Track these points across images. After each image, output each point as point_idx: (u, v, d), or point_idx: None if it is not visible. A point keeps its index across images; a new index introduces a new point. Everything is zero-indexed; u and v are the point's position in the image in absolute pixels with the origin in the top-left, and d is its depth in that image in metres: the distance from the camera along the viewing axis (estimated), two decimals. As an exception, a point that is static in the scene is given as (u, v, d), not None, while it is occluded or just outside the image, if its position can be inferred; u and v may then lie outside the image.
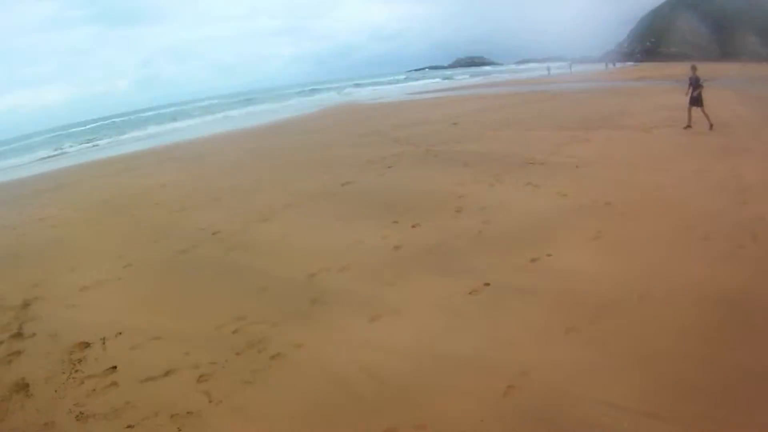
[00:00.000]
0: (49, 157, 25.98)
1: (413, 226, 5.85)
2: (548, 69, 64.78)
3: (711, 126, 10.95)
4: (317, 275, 4.82)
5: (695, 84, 11.53)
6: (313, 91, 60.21)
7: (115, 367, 3.70)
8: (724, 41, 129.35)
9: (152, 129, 33.52)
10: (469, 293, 4.14)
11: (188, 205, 8.32)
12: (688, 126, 11.22)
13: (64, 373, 3.73)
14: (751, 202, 5.89)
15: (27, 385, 3.62)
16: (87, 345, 4.10)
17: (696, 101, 11.45)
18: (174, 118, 41.32)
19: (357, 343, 3.61)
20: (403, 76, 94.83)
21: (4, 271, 6.40)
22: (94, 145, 28.58)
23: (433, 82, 56.05)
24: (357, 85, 65.23)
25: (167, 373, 3.52)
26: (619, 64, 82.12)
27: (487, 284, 4.26)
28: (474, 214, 6.09)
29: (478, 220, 5.81)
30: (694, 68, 11.83)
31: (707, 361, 3.03)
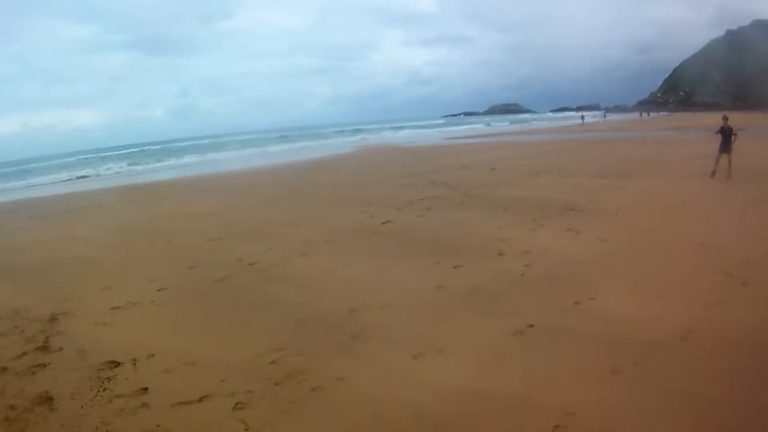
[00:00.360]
0: (83, 177, 27.88)
1: (455, 267, 6.02)
2: (582, 118, 68.09)
3: (729, 175, 11.82)
4: (358, 310, 4.94)
5: (728, 133, 12.30)
6: (350, 131, 63.49)
7: (146, 389, 3.75)
8: (757, 91, 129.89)
9: (188, 159, 35.96)
10: (513, 334, 4.28)
11: (224, 235, 8.68)
12: (714, 173, 12.01)
13: (91, 390, 3.80)
14: None
15: (51, 399, 3.69)
16: (117, 364, 4.18)
17: (726, 149, 12.22)
18: (210, 149, 43.90)
19: (399, 379, 3.68)
20: (441, 121, 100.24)
21: (33, 284, 6.68)
22: (129, 170, 30.45)
23: (469, 128, 59.85)
24: (394, 128, 68.63)
25: (202, 399, 3.58)
26: (653, 114, 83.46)
27: (531, 326, 4.39)
28: (516, 257, 6.32)
29: (520, 264, 6.02)
30: (725, 118, 12.56)
31: (750, 403, 3.14)
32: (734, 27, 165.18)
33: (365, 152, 28.09)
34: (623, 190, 10.88)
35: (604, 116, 79.02)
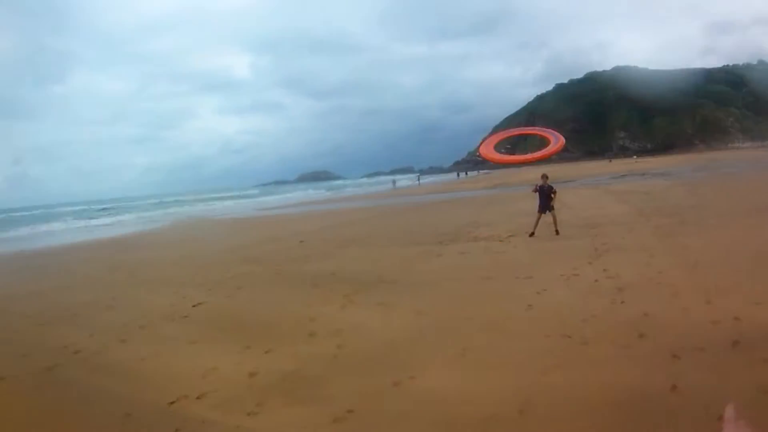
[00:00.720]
0: None
1: (266, 352, 7.00)
2: (393, 182, 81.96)
3: (556, 232, 14.53)
4: (177, 403, 5.67)
5: (546, 192, 15.12)
6: (166, 203, 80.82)
7: None
8: (589, 139, 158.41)
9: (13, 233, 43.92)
10: (333, 421, 4.85)
11: (51, 319, 10.17)
12: (533, 233, 14.62)
13: None
14: (630, 301, 7.61)
15: None
16: None
17: (546, 208, 14.99)
18: (36, 221, 55.70)
19: None
20: (255, 191, 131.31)
21: None
22: None
23: (282, 198, 75.63)
24: (208, 199, 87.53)
25: None
26: (471, 173, 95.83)
27: (351, 411, 5.00)
28: (328, 337, 7.34)
29: (333, 344, 7.00)
30: (545, 177, 15.44)
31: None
32: (565, 80, 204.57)
33: (179, 226, 33.67)
34: (439, 257, 12.83)
35: (419, 179, 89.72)
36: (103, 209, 74.00)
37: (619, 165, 76.33)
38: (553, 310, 7.56)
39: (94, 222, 50.36)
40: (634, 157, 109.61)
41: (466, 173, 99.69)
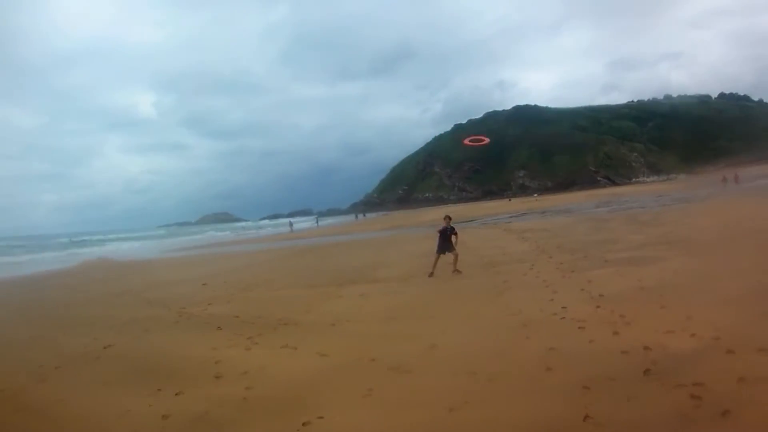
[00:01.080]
0: None
1: (177, 394, 7.36)
2: (291, 224, 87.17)
3: (456, 271, 15.19)
4: None
5: (447, 234, 15.77)
6: (73, 243, 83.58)
7: None
8: (488, 179, 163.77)
9: None
10: None
11: None
12: (431, 274, 15.24)
13: None
14: (535, 336, 8.00)
15: None
16: None
17: (445, 249, 15.65)
18: None
19: None
20: (160, 232, 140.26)
21: None
22: None
23: (183, 240, 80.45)
24: (112, 240, 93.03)
25: None
26: (369, 215, 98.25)
27: None
28: (235, 379, 7.78)
29: (241, 386, 7.40)
30: (448, 218, 16.23)
31: None
32: (464, 121, 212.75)
33: (84, 267, 34.10)
34: (339, 299, 13.51)
35: (317, 221, 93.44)
36: (8, 247, 75.91)
37: (519, 204, 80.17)
38: (457, 348, 7.92)
39: (9, 259, 52.09)
40: (535, 195, 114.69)
41: (365, 215, 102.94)
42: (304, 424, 5.83)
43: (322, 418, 5.96)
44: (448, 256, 15.44)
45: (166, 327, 12.16)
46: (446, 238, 15.63)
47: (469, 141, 20.91)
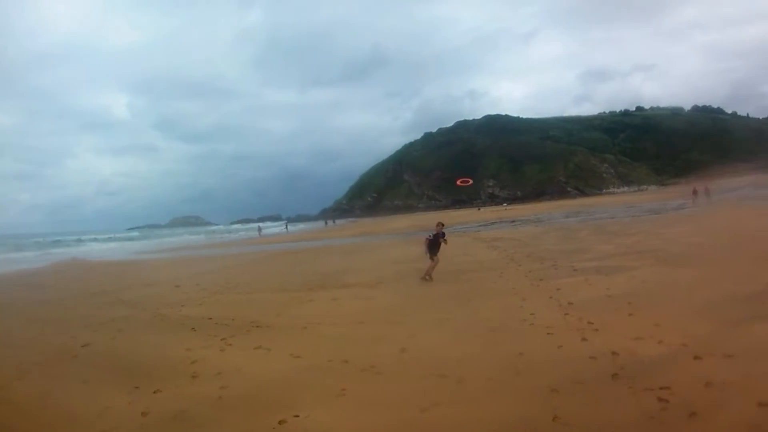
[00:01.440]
0: None
1: (155, 392, 7.58)
2: (259, 229, 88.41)
3: (428, 277, 15.37)
4: None
5: (436, 239, 15.93)
6: (47, 243, 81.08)
7: None
8: (457, 188, 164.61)
9: None
10: None
11: None
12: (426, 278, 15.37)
13: None
14: (504, 341, 8.23)
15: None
16: None
17: (434, 252, 15.78)
18: None
19: None
20: (134, 233, 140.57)
21: None
22: None
23: (156, 242, 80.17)
24: (86, 240, 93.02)
25: None
26: (339, 221, 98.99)
27: None
28: (211, 379, 8.02)
29: (216, 385, 7.66)
30: (441, 225, 16.36)
31: None
32: (434, 129, 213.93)
33: (60, 267, 34.06)
34: (311, 303, 13.77)
35: (287, 227, 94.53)
36: None
37: (489, 213, 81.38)
38: (427, 352, 8.17)
39: None
40: (504, 204, 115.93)
41: (334, 221, 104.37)
42: (280, 423, 6.07)
43: (297, 416, 6.20)
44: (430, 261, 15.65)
45: (142, 327, 12.37)
46: (436, 243, 15.80)
47: (460, 182, 20.82)
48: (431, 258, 15.68)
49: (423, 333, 9.35)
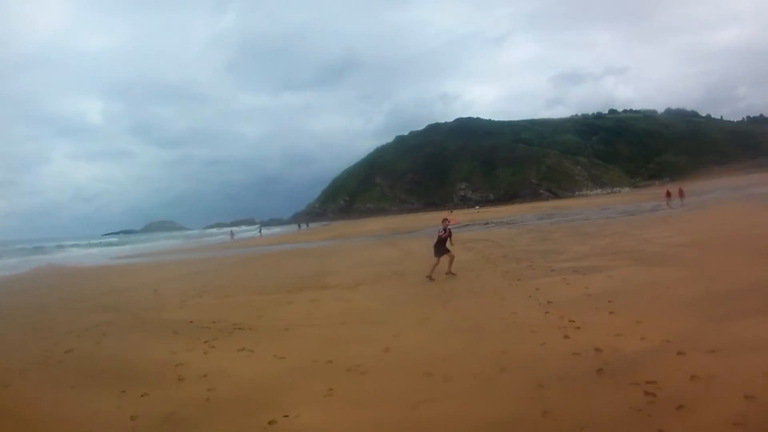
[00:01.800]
0: None
1: (142, 396, 7.63)
2: (231, 234, 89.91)
3: (431, 277, 15.30)
4: None
5: (444, 237, 16.07)
6: (22, 250, 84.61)
7: None
8: (430, 190, 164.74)
9: None
10: None
11: None
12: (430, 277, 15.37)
13: None
14: (486, 339, 8.38)
15: None
16: None
17: (442, 252, 15.84)
18: None
19: None
20: (112, 239, 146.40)
21: None
22: None
23: (131, 247, 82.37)
24: (68, 246, 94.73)
25: None
26: (312, 224, 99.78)
27: None
28: (197, 381, 8.08)
29: (203, 387, 7.73)
30: (447, 221, 16.54)
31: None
32: (406, 132, 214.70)
33: (38, 274, 34.73)
34: (290, 305, 13.95)
35: (260, 231, 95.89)
36: None
37: (461, 215, 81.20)
38: (411, 351, 8.31)
39: None
40: (477, 207, 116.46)
41: (308, 225, 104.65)
42: (270, 423, 6.14)
43: (287, 416, 6.27)
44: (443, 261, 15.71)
45: (124, 332, 12.49)
46: (443, 242, 15.89)
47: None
48: (439, 257, 15.66)
49: (405, 332, 9.47)
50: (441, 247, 15.89)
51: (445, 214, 15.72)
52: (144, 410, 7.08)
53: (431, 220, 55.75)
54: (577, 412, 5.24)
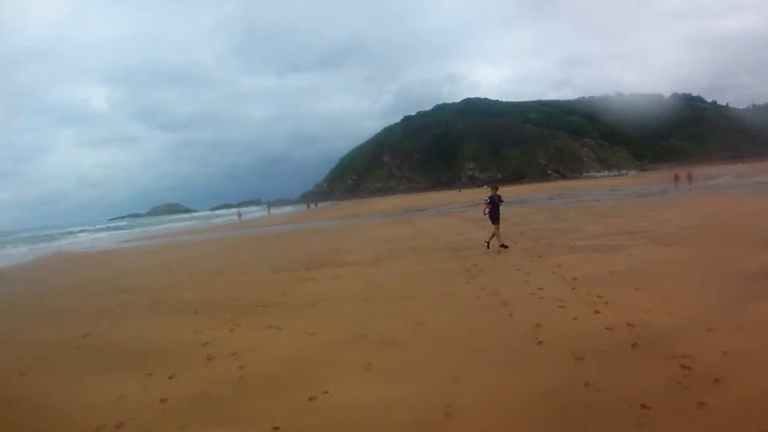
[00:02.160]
0: None
1: (170, 377, 7.40)
2: (239, 214, 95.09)
3: (488, 245, 15.81)
4: None
5: (498, 202, 16.46)
6: (27, 238, 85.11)
7: None
8: (438, 170, 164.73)
9: None
10: None
11: None
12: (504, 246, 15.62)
13: None
14: (518, 314, 8.47)
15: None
16: None
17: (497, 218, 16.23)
18: None
19: None
20: (119, 223, 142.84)
21: None
22: None
23: (139, 231, 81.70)
24: (70, 233, 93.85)
25: None
26: (321, 204, 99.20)
27: (277, 428, 5.42)
28: (226, 360, 7.89)
29: (234, 366, 7.55)
30: (495, 187, 17.16)
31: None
32: (413, 113, 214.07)
33: (46, 261, 33.95)
34: (313, 282, 13.91)
35: (269, 211, 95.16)
36: None
37: (470, 194, 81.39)
38: (443, 325, 8.33)
39: None
40: (485, 186, 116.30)
41: (316, 204, 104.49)
42: (310, 399, 6.01)
43: (327, 392, 6.13)
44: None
45: (142, 313, 12.21)
46: (497, 208, 16.08)
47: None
48: (497, 223, 15.90)
49: (433, 307, 9.47)
50: (496, 213, 16.04)
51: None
52: (174, 392, 6.87)
53: (440, 200, 55.95)
54: (616, 384, 5.29)
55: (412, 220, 32.88)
